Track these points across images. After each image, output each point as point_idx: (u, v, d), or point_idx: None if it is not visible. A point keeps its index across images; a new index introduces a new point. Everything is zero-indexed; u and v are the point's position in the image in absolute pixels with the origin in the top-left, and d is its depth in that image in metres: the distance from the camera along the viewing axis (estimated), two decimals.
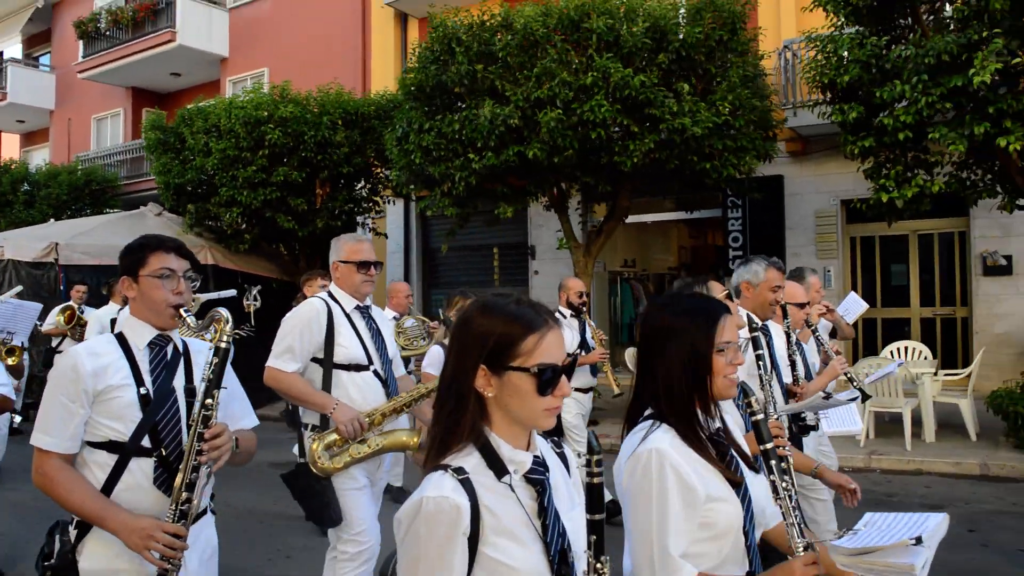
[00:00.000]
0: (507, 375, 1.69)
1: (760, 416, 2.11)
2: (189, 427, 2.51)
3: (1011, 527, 6.10)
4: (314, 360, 3.85)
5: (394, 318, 7.03)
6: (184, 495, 2.41)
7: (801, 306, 4.46)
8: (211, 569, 2.74)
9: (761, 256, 4.27)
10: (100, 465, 2.49)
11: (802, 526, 2.07)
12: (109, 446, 2.48)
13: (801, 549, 2.03)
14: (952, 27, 7.33)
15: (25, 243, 11.85)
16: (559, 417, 4.40)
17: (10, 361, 5.90)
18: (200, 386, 2.52)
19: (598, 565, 1.66)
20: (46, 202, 17.28)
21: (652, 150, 8.78)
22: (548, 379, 1.69)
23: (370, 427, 3.77)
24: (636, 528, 1.98)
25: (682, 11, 8.90)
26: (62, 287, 10.93)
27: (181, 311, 2.61)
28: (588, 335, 6.49)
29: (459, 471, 1.67)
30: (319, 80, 13.12)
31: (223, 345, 2.49)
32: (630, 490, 2.00)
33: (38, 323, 8.82)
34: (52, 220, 15.62)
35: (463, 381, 1.72)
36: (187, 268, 2.68)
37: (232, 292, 7.61)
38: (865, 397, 4.70)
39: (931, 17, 7.93)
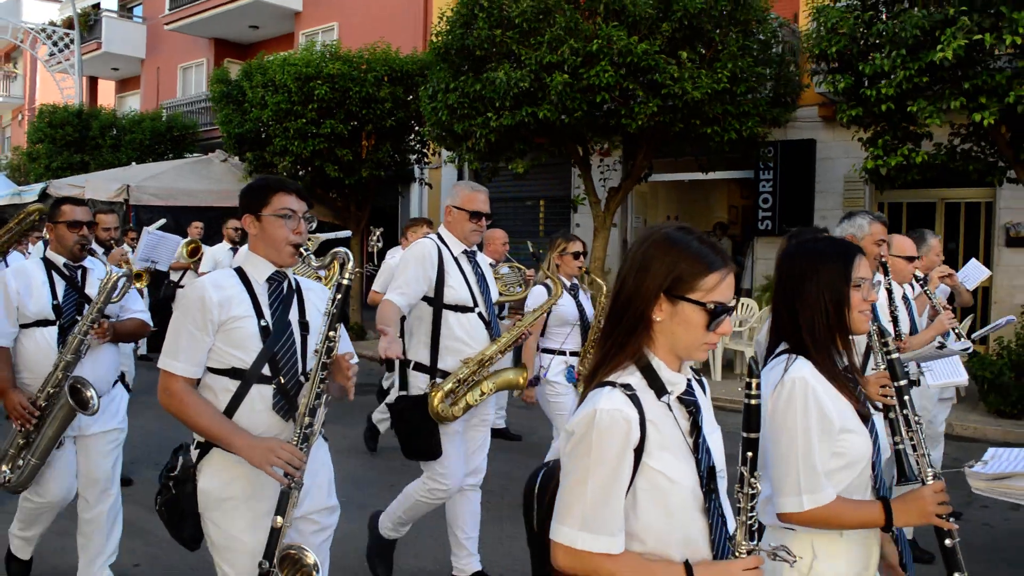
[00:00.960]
0: (681, 305, 1.80)
1: (895, 355, 2.29)
2: (303, 358, 2.77)
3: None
4: (424, 299, 4.03)
5: (490, 264, 7.58)
6: (307, 419, 2.60)
7: (910, 260, 4.61)
8: (329, 490, 3.00)
9: (866, 211, 4.37)
10: (222, 390, 2.70)
11: (930, 457, 2.25)
12: (232, 372, 2.69)
13: (931, 477, 2.20)
14: (928, 3, 7.69)
15: (102, 184, 13.27)
16: None
17: (139, 285, 6.48)
18: (316, 320, 2.79)
19: (752, 479, 1.76)
20: (131, 147, 18.81)
21: (656, 114, 9.39)
22: (718, 316, 1.81)
23: (479, 368, 4.00)
24: (780, 451, 2.11)
25: None
26: (132, 224, 12.26)
27: (300, 249, 2.82)
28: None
29: (627, 387, 1.80)
30: (384, 34, 14.01)
31: (345, 282, 2.63)
32: (775, 416, 2.13)
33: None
34: (133, 164, 17.14)
35: (640, 304, 1.83)
36: (305, 210, 2.86)
37: (348, 232, 8.17)
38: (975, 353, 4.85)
39: None
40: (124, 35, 25.19)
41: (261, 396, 2.68)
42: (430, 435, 3.95)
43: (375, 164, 13.26)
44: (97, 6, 26.69)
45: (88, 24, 24.96)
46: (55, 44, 23.94)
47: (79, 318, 3.79)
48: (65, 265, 3.96)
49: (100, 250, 5.81)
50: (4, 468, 3.68)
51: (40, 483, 3.79)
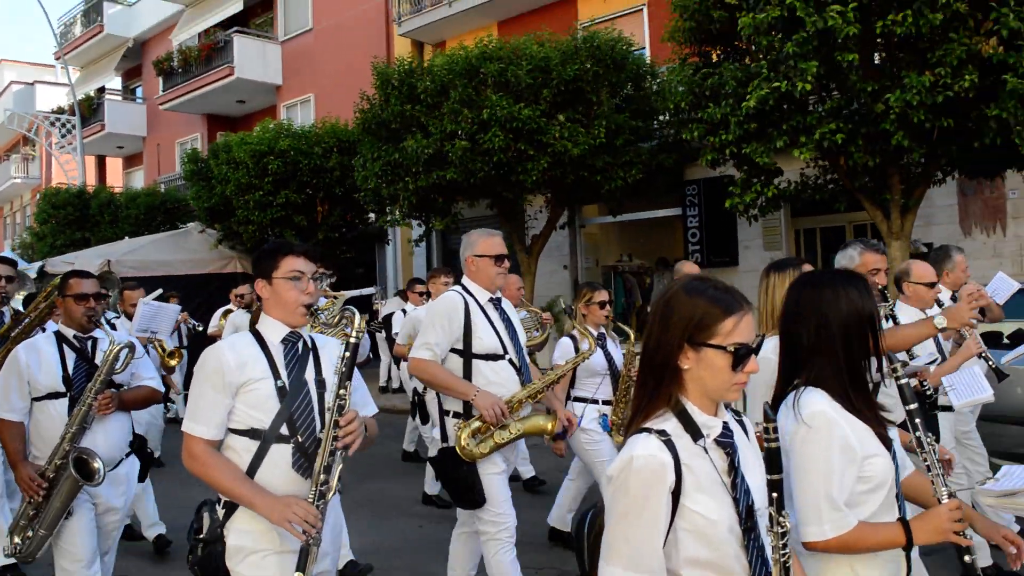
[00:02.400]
0: (704, 351, 1.92)
1: (903, 380, 2.30)
2: (321, 416, 2.84)
3: None
4: (453, 351, 4.11)
5: None
6: (322, 477, 2.69)
7: (930, 286, 4.53)
8: (340, 543, 3.17)
9: (860, 240, 4.43)
10: (244, 450, 2.79)
11: (944, 476, 2.27)
12: (251, 433, 2.79)
13: (945, 496, 2.23)
14: (742, 57, 8.96)
15: (88, 261, 14.89)
16: None
17: (172, 363, 6.87)
18: (331, 378, 2.83)
19: (780, 518, 1.85)
20: (127, 222, 20.58)
21: (547, 169, 10.73)
22: (742, 357, 1.91)
23: (509, 413, 4.04)
24: (803, 483, 2.17)
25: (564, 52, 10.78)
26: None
27: (311, 309, 2.95)
28: None
29: (662, 433, 1.90)
30: (356, 102, 15.55)
31: (353, 340, 2.75)
32: (796, 448, 2.18)
33: (196, 324, 10.57)
34: (127, 238, 18.86)
35: (666, 354, 1.95)
36: (314, 270, 2.98)
37: (372, 289, 8.61)
38: (1002, 377, 4.75)
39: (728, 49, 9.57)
40: (126, 115, 27.31)
41: (281, 455, 2.77)
42: (471, 482, 4.01)
43: (329, 227, 14.76)
44: (102, 89, 28.91)
45: (92, 107, 27.10)
46: (63, 126, 26.04)
47: None
48: (75, 337, 4.07)
49: (128, 324, 6.54)
50: (16, 539, 3.78)
51: (69, 545, 3.86)
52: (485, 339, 4.09)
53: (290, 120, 15.09)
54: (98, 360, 4.01)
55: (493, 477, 4.06)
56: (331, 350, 2.98)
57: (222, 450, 2.85)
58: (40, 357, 3.96)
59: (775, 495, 1.87)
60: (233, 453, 2.81)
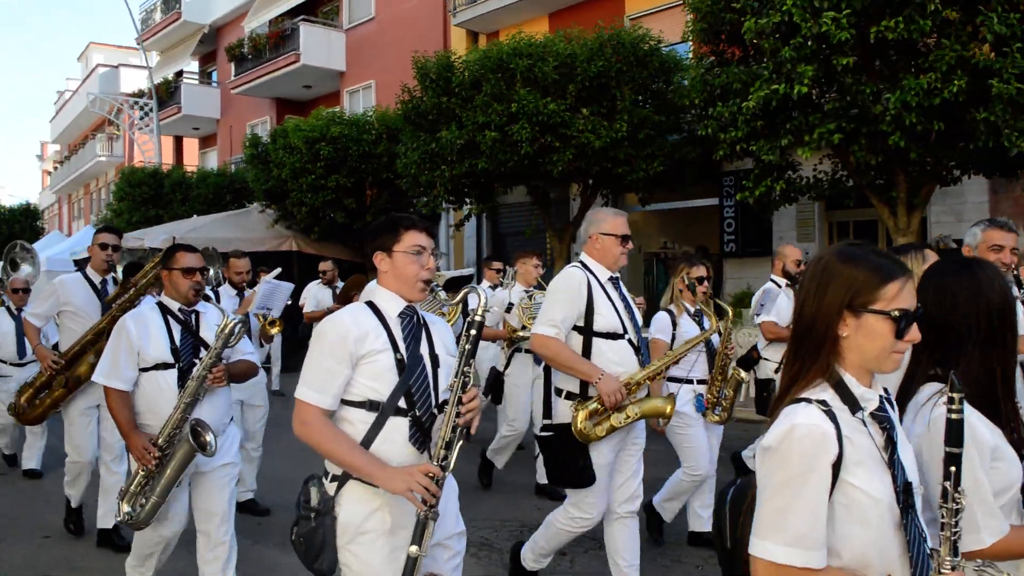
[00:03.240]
0: (865, 318, 1.85)
1: None
2: (436, 390, 2.88)
3: None
4: (574, 328, 4.06)
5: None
6: (443, 452, 2.68)
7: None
8: (457, 516, 3.11)
9: (987, 219, 4.34)
10: (359, 422, 2.80)
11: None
12: (368, 405, 2.80)
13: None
14: (746, 60, 9.45)
15: (155, 236, 16.18)
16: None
17: (273, 331, 7.05)
18: (444, 354, 2.95)
19: (955, 494, 1.79)
20: (197, 201, 21.91)
21: (572, 160, 11.38)
22: (904, 324, 1.84)
23: (627, 395, 3.97)
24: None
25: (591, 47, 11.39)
26: None
27: (431, 285, 2.96)
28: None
29: (823, 403, 1.84)
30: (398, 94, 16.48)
31: (479, 318, 2.74)
32: (935, 450, 1.98)
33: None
34: (195, 216, 20.15)
35: (825, 322, 1.89)
36: (434, 246, 2.98)
37: (471, 270, 8.65)
38: None
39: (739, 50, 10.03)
40: (201, 98, 28.80)
41: (397, 428, 2.78)
42: (581, 463, 3.96)
43: (377, 210, 15.68)
44: (180, 73, 30.50)
45: (169, 90, 28.66)
46: (140, 109, 27.66)
47: (196, 361, 3.96)
48: (180, 310, 4.10)
49: (233, 292, 6.85)
50: (126, 507, 3.83)
51: (159, 518, 3.92)
52: (607, 317, 4.04)
53: (341, 109, 15.99)
54: (203, 333, 4.09)
55: (599, 468, 4.03)
56: (441, 328, 3.07)
57: (335, 422, 2.85)
58: (149, 328, 3.99)
59: (952, 469, 1.80)
60: (348, 425, 2.81)
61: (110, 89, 33.69)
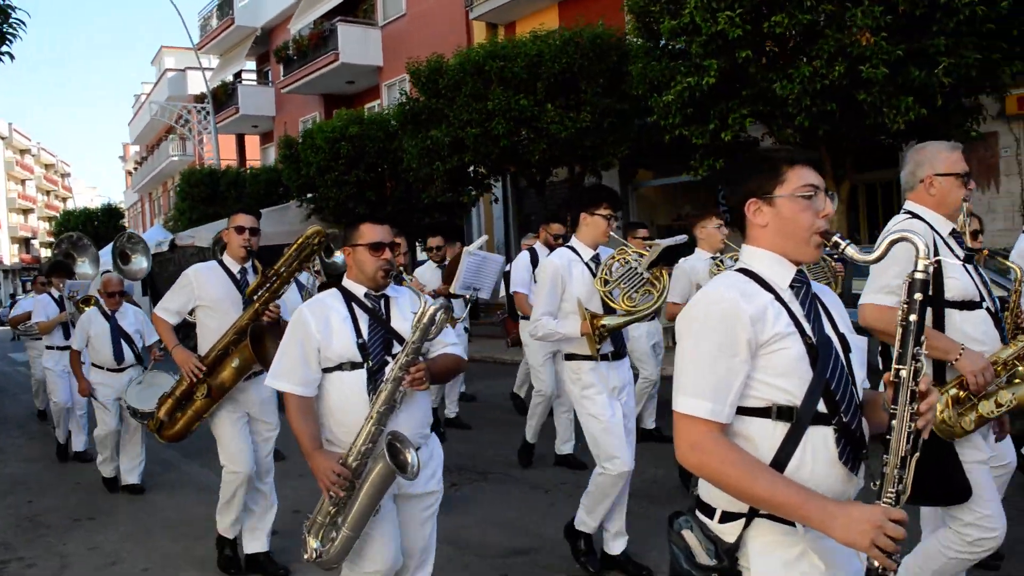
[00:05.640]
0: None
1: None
2: (854, 385, 2.10)
3: None
4: None
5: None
6: (897, 474, 1.93)
7: None
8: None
9: None
10: (761, 438, 2.04)
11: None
12: (774, 412, 2.04)
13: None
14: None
15: (205, 234, 18.40)
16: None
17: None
18: (848, 333, 2.17)
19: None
20: (251, 198, 24.18)
21: (545, 150, 12.96)
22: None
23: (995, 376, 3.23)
24: None
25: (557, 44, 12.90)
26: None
27: (835, 238, 2.11)
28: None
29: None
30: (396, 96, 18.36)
31: (920, 276, 1.96)
32: None
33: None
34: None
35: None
36: (824, 187, 2.17)
37: (683, 237, 6.53)
38: None
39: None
40: (256, 98, 31.25)
41: (823, 442, 2.03)
42: (945, 466, 3.18)
43: (397, 200, 17.53)
44: (239, 75, 33.06)
45: (227, 92, 31.20)
46: (199, 112, 30.29)
47: (388, 359, 3.33)
48: (367, 296, 3.44)
49: (434, 265, 7.03)
50: (313, 541, 3.25)
51: (362, 552, 3.29)
52: (960, 280, 3.33)
53: (381, 104, 17.92)
54: (394, 324, 3.42)
55: (976, 466, 3.25)
56: (832, 298, 2.28)
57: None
58: (331, 320, 3.36)
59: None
60: (746, 443, 2.05)
61: (179, 92, 36.63)
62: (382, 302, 3.45)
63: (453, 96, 13.43)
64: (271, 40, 31.38)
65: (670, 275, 4.39)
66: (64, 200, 79.91)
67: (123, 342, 7.17)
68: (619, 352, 4.66)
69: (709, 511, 2.11)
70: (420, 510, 3.47)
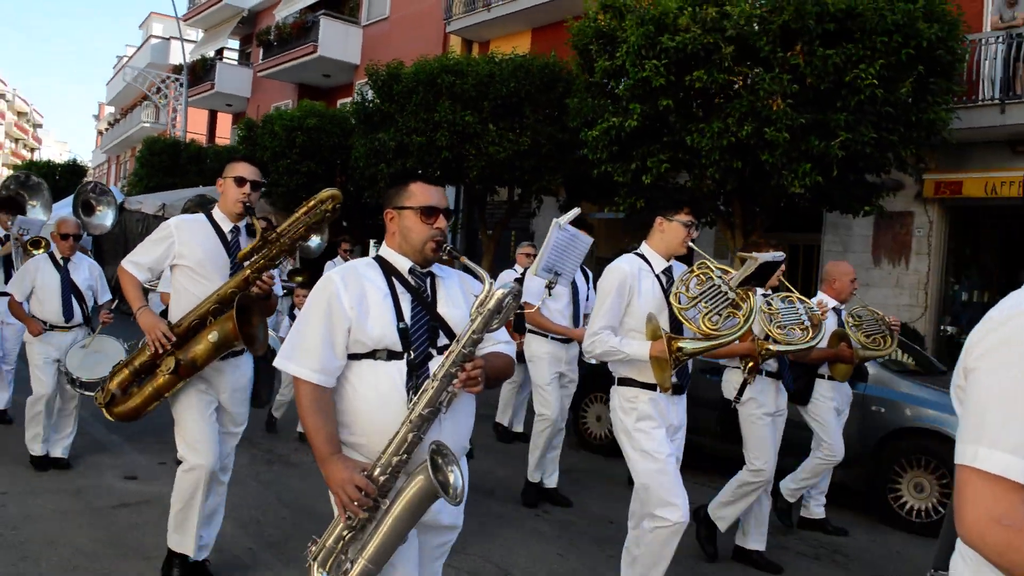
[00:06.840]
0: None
1: None
2: None
3: None
4: None
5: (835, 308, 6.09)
6: None
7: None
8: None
9: None
10: None
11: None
12: None
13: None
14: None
15: (152, 203, 18.88)
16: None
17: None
18: None
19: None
20: (211, 173, 24.59)
21: (485, 167, 13.62)
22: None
23: None
24: None
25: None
26: None
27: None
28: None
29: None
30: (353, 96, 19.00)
31: None
32: None
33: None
34: (200, 187, 22.88)
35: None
36: None
37: (782, 254, 5.41)
38: None
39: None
40: (234, 78, 31.78)
41: None
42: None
43: (347, 197, 18.07)
44: (221, 51, 33.56)
45: (206, 67, 31.70)
46: (174, 82, 30.74)
47: (432, 352, 2.72)
48: (411, 271, 2.81)
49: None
50: (318, 574, 2.60)
51: None
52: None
53: (313, 103, 18.54)
54: (441, 309, 2.81)
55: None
56: None
57: None
58: (368, 295, 2.73)
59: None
60: None
61: (160, 60, 37.00)
62: (428, 281, 2.84)
63: (404, 103, 14.07)
64: (256, 23, 31.96)
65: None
66: (32, 151, 79.48)
67: (73, 297, 6.44)
68: (681, 386, 4.08)
69: None
70: (435, 545, 2.87)
